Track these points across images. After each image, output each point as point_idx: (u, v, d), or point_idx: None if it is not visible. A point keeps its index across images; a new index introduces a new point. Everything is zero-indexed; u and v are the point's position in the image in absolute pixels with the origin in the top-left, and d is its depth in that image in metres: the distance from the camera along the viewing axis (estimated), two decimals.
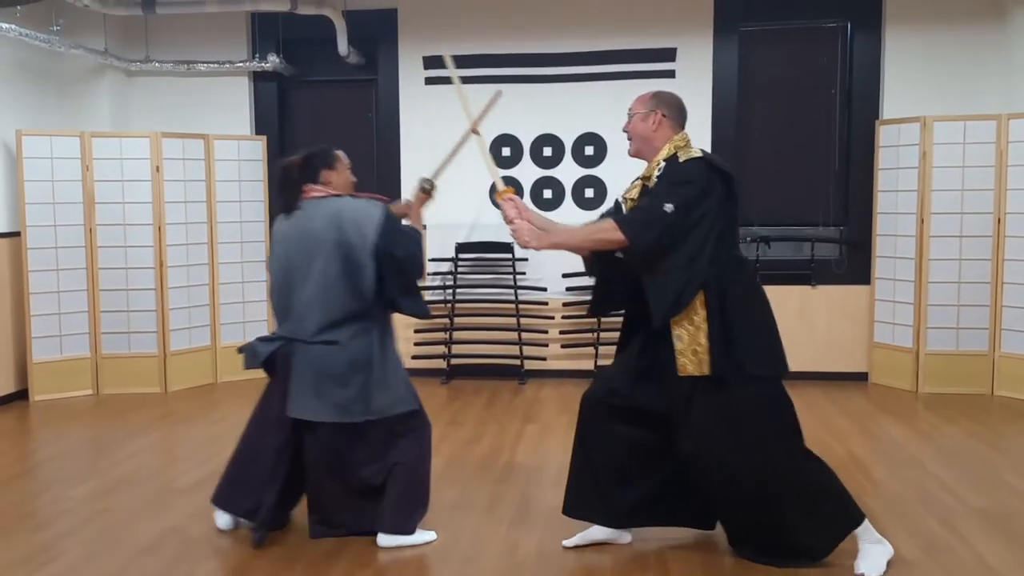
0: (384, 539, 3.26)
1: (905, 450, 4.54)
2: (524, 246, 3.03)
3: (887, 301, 6.03)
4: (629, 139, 3.17)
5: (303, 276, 3.17)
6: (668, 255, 2.89)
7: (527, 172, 6.36)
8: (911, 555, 3.16)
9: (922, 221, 5.77)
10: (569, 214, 6.23)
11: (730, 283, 2.93)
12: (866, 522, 3.01)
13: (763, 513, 2.95)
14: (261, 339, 3.30)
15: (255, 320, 6.47)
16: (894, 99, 6.06)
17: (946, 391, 5.77)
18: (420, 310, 3.30)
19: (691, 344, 2.91)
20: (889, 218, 5.97)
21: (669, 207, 2.88)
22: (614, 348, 6.15)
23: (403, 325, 6.43)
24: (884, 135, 5.99)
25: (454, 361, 6.41)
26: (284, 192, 3.31)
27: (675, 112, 3.14)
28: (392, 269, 3.16)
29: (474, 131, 3.31)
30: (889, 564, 3.01)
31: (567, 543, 3.26)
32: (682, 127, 3.17)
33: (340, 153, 3.45)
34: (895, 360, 5.96)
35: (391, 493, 3.24)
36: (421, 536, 3.31)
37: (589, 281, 6.20)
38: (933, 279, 5.75)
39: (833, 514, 2.97)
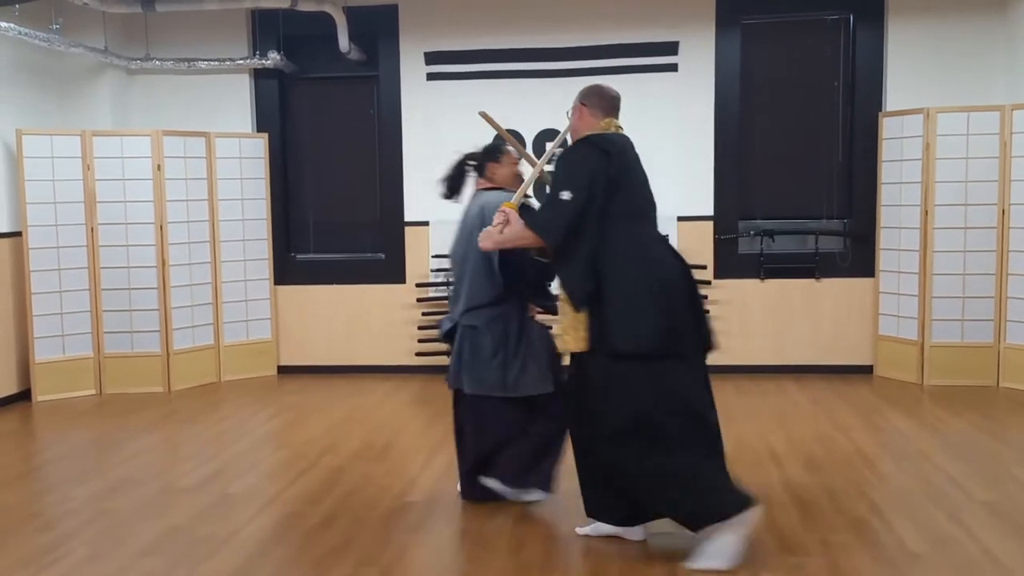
0: (488, 480, 3.50)
1: (911, 443, 4.53)
2: (480, 246, 3.21)
3: (891, 294, 6.01)
4: None
5: (461, 262, 3.55)
6: (574, 242, 2.97)
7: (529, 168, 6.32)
8: (918, 548, 3.15)
9: (926, 213, 5.74)
10: None
11: (611, 259, 2.96)
12: (743, 515, 2.94)
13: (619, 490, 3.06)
14: (447, 317, 3.68)
15: (258, 318, 6.47)
16: (897, 91, 6.04)
17: (951, 383, 5.75)
18: (547, 304, 3.51)
19: (574, 321, 2.99)
20: (893, 210, 5.95)
21: (566, 195, 2.96)
22: None
23: (404, 322, 6.44)
24: (887, 127, 5.96)
25: None
26: (446, 180, 3.66)
27: (595, 100, 3.21)
28: (514, 263, 3.39)
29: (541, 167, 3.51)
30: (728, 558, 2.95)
31: (580, 531, 3.31)
32: (607, 114, 3.21)
33: (509, 149, 3.68)
34: (900, 353, 5.94)
35: (519, 446, 3.46)
36: (526, 494, 3.52)
37: None
38: (937, 271, 5.73)
39: (695, 500, 2.94)
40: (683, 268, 3.09)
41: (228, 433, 4.99)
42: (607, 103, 3.21)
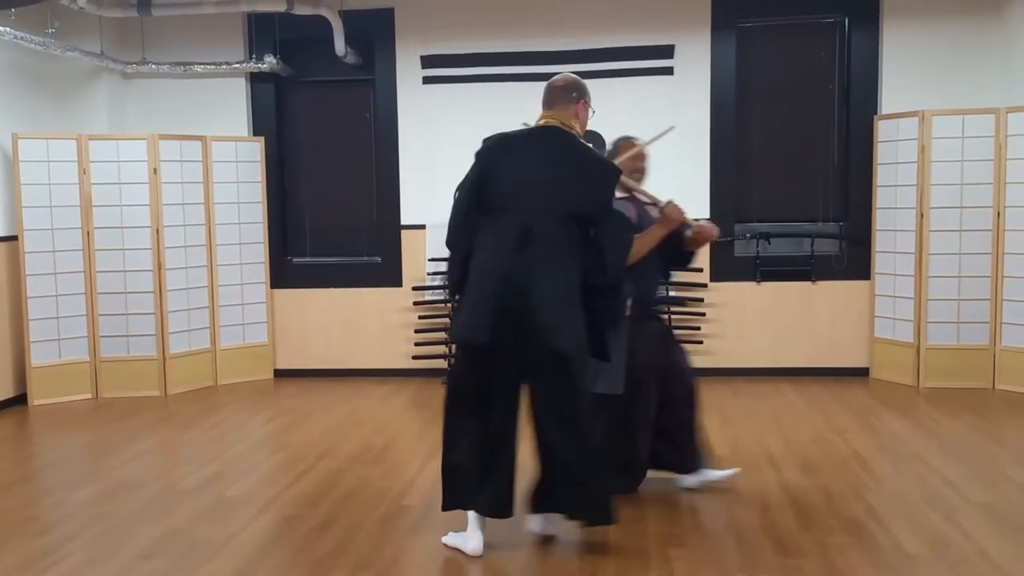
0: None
1: (907, 445, 4.54)
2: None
3: (887, 296, 6.03)
4: None
5: None
6: (459, 238, 3.19)
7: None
8: (915, 550, 3.17)
9: (922, 216, 5.77)
10: None
11: (474, 253, 3.12)
12: (473, 516, 3.18)
13: None
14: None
15: (255, 322, 6.47)
16: (892, 94, 6.07)
17: (947, 385, 5.77)
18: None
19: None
20: (889, 213, 5.98)
21: (456, 195, 3.25)
22: None
23: (401, 325, 6.45)
24: (883, 130, 5.99)
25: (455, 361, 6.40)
26: None
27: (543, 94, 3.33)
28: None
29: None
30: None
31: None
32: (543, 106, 3.32)
33: (626, 143, 3.79)
34: (896, 355, 5.96)
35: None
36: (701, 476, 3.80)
37: None
38: (933, 273, 5.76)
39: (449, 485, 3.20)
40: (526, 261, 3.01)
41: (226, 436, 5.00)
42: (544, 95, 3.30)
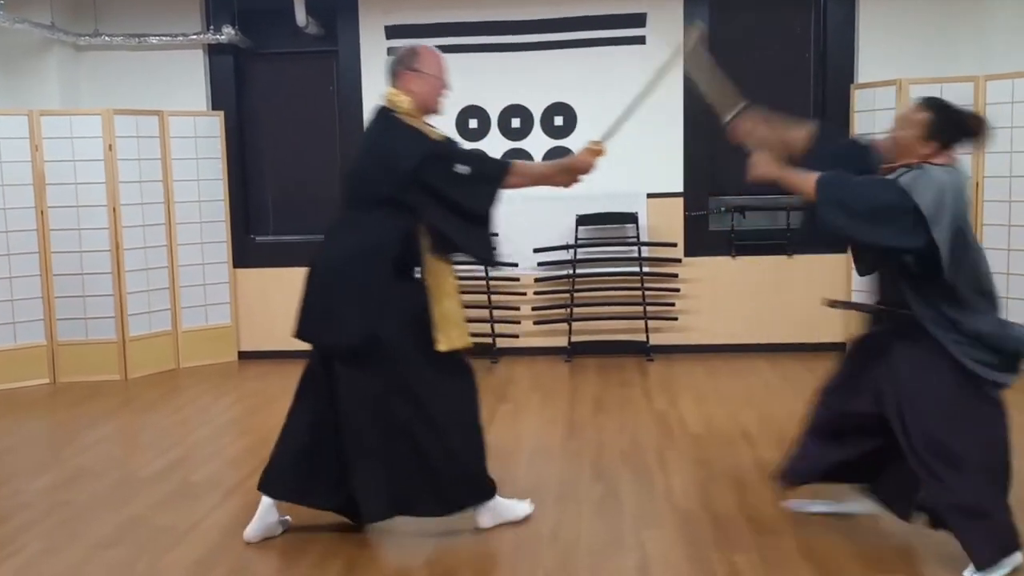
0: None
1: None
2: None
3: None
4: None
5: None
6: None
7: (495, 144, 6.31)
8: (893, 523, 3.20)
9: None
10: (542, 190, 6.14)
11: None
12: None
13: None
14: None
15: (217, 303, 6.41)
16: (869, 62, 6.08)
17: None
18: None
19: None
20: None
21: None
22: (587, 323, 6.24)
23: None
24: (859, 99, 6.01)
25: None
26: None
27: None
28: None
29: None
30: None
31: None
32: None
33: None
34: None
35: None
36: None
37: (560, 256, 6.30)
38: None
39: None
40: (329, 255, 3.08)
41: (188, 421, 4.96)
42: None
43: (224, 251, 6.42)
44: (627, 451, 4.17)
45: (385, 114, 3.11)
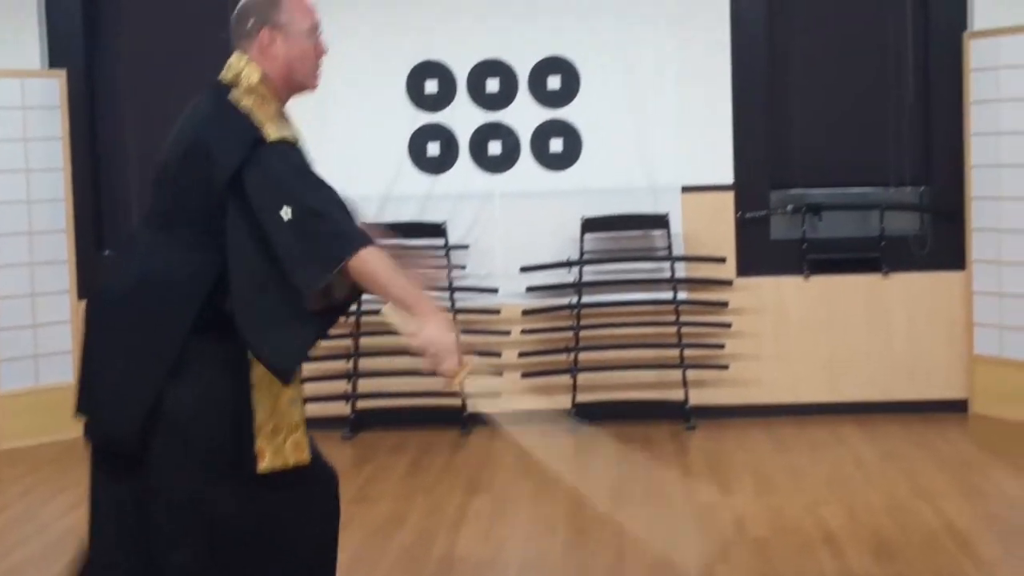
0: None
1: None
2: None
3: (991, 294, 6.08)
4: None
5: None
6: None
7: (464, 117, 6.33)
8: None
9: None
10: (528, 176, 6.29)
11: None
12: None
13: None
14: None
15: (53, 352, 6.31)
16: (990, 1, 6.12)
17: None
18: None
19: None
20: (989, 173, 6.04)
21: None
22: (600, 375, 6.20)
23: None
24: (976, 53, 6.04)
25: (362, 404, 6.37)
26: None
27: None
28: None
29: None
30: None
31: None
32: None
33: None
34: (1006, 380, 6.01)
35: None
36: None
37: (558, 277, 6.26)
38: None
39: None
40: (107, 292, 3.05)
41: (8, 532, 4.88)
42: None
43: (64, 276, 6.36)
44: (659, 565, 4.11)
45: (215, 95, 2.94)
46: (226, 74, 2.94)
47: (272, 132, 2.78)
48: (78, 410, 3.01)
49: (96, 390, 2.94)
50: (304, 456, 2.89)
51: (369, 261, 2.72)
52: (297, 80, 3.00)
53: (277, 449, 2.84)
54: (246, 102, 2.84)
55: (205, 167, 2.81)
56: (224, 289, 2.80)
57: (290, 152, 2.82)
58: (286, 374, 2.81)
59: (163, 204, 2.95)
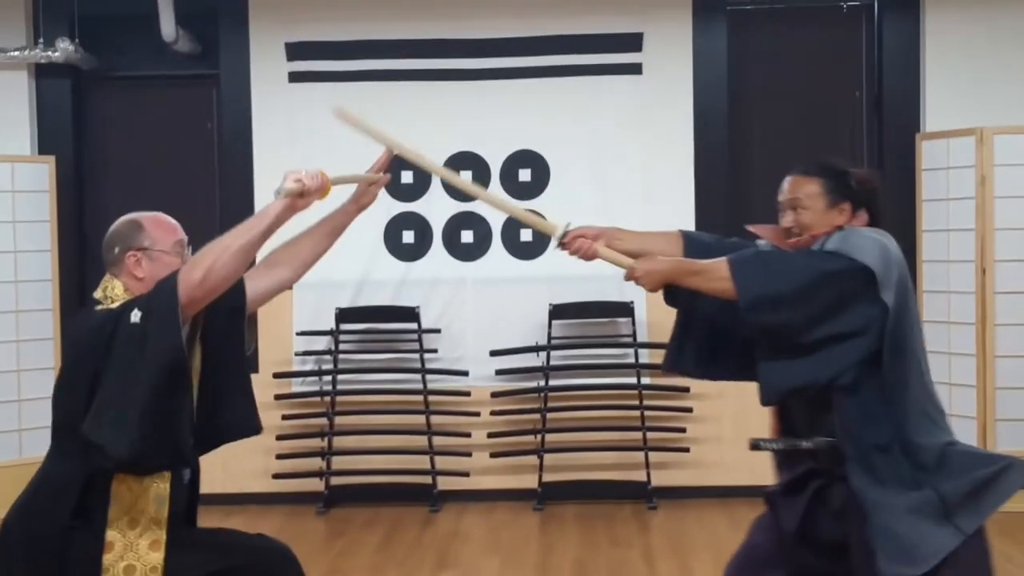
0: None
1: None
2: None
3: (941, 384, 6.08)
4: None
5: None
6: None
7: (437, 206, 6.36)
8: None
9: (983, 272, 5.90)
10: (499, 264, 6.33)
11: None
12: None
13: None
14: None
15: (37, 427, 6.22)
16: (940, 105, 6.25)
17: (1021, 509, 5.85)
18: None
19: None
20: (938, 268, 6.10)
21: None
22: (565, 456, 6.20)
23: (269, 429, 6.28)
24: (928, 153, 6.14)
25: (335, 481, 6.32)
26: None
27: None
28: None
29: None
30: None
31: None
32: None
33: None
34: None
35: None
36: None
37: (526, 361, 6.28)
38: (1002, 352, 5.88)
39: None
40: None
41: None
42: None
43: (51, 353, 6.31)
44: None
45: (86, 312, 3.01)
46: (98, 293, 2.98)
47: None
48: None
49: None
50: (160, 555, 2.82)
51: (196, 263, 2.71)
52: None
53: (130, 543, 2.82)
54: (101, 310, 2.87)
55: (75, 369, 2.85)
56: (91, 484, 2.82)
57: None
58: (117, 454, 2.69)
59: (54, 423, 2.98)
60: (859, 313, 2.75)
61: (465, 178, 3.43)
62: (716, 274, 2.86)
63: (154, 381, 2.62)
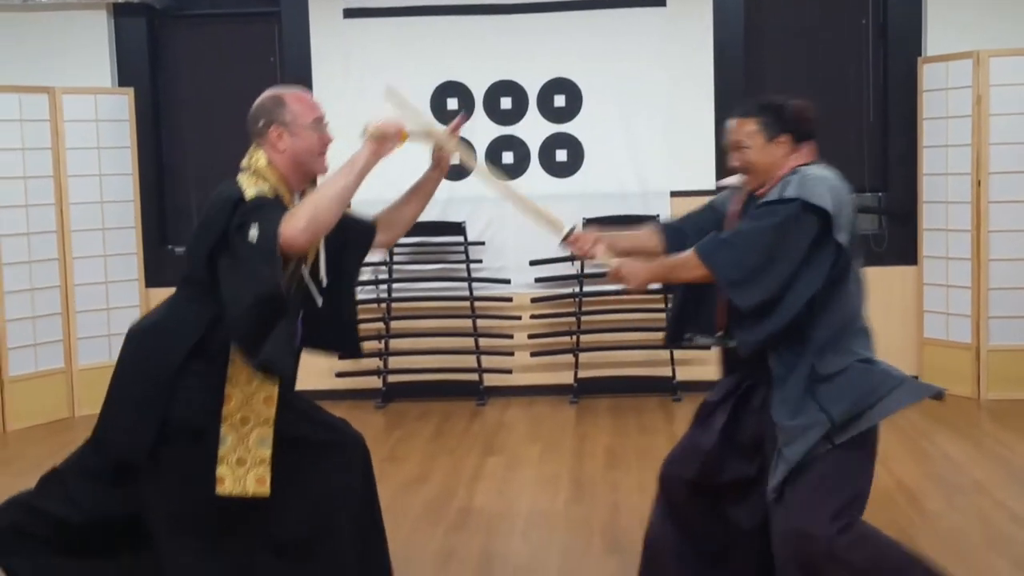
0: None
1: (966, 473, 4.68)
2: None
3: (938, 285, 6.20)
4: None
5: None
6: None
7: (481, 130, 6.39)
8: None
9: (979, 183, 5.94)
10: (536, 182, 6.33)
11: None
12: None
13: None
14: None
15: (124, 332, 6.38)
16: (940, 30, 6.23)
17: (1017, 396, 5.92)
18: None
19: None
20: (938, 180, 6.14)
21: None
22: (598, 355, 6.30)
23: None
24: (929, 76, 6.15)
25: (392, 379, 6.45)
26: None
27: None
28: None
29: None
30: None
31: None
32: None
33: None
34: (951, 360, 6.12)
35: None
36: None
37: (563, 270, 6.38)
38: (995, 256, 5.93)
39: None
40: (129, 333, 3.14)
41: None
42: None
43: (133, 266, 6.43)
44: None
45: (230, 181, 2.99)
46: (244, 161, 3.00)
47: (251, 192, 2.84)
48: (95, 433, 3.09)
49: (111, 414, 3.04)
50: (265, 490, 2.85)
51: (291, 223, 2.73)
52: (304, 168, 3.02)
53: (238, 479, 2.86)
54: (244, 179, 2.91)
55: (202, 233, 2.88)
56: (212, 333, 2.86)
57: (261, 202, 2.85)
58: (281, 371, 2.82)
59: (185, 270, 3.02)
60: (817, 254, 2.80)
61: (494, 174, 3.44)
62: (690, 266, 2.92)
63: (252, 302, 2.69)
